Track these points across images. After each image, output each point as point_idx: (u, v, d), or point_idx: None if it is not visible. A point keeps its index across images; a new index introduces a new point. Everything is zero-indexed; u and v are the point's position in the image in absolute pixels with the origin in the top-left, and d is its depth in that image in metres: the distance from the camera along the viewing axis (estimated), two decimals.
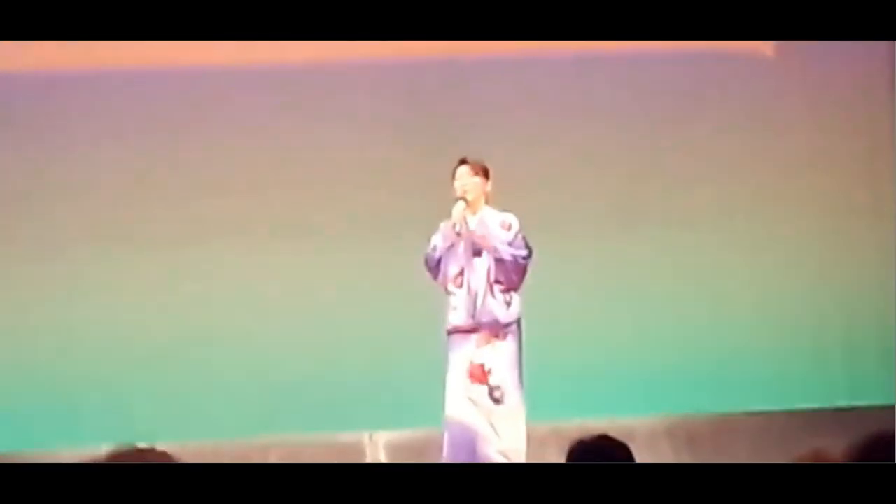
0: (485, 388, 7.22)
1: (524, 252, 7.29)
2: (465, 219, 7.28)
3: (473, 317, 7.24)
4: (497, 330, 7.25)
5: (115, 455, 2.46)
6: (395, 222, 8.72)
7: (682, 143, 9.19)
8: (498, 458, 7.16)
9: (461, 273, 7.29)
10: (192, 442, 8.65)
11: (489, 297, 7.26)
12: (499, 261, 7.25)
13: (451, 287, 7.32)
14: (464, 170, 7.38)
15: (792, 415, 8.87)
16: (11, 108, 8.70)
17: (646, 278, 9.09)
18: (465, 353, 7.25)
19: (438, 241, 7.34)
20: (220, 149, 8.91)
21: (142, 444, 2.52)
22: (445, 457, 7.25)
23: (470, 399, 7.20)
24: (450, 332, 7.32)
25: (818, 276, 9.20)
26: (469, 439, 7.18)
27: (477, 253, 7.30)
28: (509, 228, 7.35)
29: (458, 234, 7.28)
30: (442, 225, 7.36)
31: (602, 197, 9.07)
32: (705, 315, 9.11)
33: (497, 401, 7.21)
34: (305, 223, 8.92)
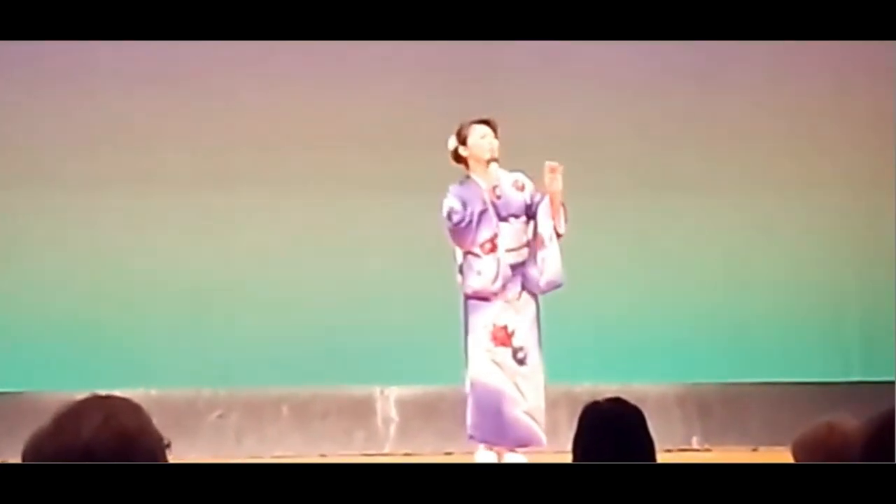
0: (508, 350, 7.17)
1: (561, 222, 7.26)
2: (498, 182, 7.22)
3: (503, 282, 7.15)
4: (535, 292, 7.20)
5: (76, 403, 2.30)
6: (412, 180, 8.67)
7: (708, 114, 9.16)
8: (524, 419, 7.15)
9: (492, 238, 7.20)
10: (206, 390, 8.71)
11: (530, 261, 7.21)
12: (533, 225, 7.22)
13: (476, 250, 7.20)
14: (486, 130, 7.27)
15: (804, 387, 8.86)
16: (47, 60, 8.65)
17: (663, 246, 9.07)
18: (488, 315, 7.17)
19: (457, 204, 7.16)
20: (247, 103, 8.86)
21: (102, 392, 2.34)
22: (470, 419, 7.19)
23: (494, 361, 7.15)
24: (470, 297, 7.23)
25: (836, 249, 9.17)
26: (495, 401, 7.14)
27: (504, 218, 7.25)
28: (523, 189, 7.32)
29: (498, 198, 7.20)
30: (458, 188, 7.24)
31: (619, 163, 9.03)
32: (720, 284, 9.09)
33: (521, 362, 7.17)
34: (323, 178, 8.88)
